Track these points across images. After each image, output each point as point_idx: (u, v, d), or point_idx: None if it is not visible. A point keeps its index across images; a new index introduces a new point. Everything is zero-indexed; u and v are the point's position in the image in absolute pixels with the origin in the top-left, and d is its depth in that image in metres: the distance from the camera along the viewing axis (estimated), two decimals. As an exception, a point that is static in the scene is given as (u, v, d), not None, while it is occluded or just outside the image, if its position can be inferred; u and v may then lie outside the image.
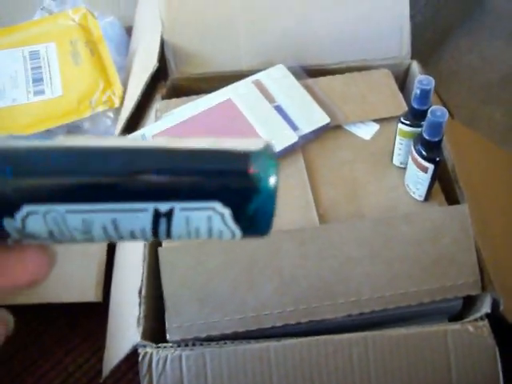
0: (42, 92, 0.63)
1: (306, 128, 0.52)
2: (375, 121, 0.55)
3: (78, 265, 0.58)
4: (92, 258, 0.58)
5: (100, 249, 0.58)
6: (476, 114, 0.89)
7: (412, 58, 0.62)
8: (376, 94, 0.57)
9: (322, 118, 0.53)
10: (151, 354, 0.44)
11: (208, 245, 0.46)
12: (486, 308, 0.46)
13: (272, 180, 0.16)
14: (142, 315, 0.46)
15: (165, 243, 0.48)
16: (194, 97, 0.57)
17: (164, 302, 0.45)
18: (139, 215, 0.16)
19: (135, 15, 0.73)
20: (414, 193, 0.50)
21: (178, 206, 0.16)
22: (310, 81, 0.56)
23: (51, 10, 0.73)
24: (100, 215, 0.16)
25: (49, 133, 0.62)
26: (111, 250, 0.59)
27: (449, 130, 0.50)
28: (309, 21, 0.58)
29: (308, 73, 0.57)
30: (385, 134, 0.54)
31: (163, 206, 0.16)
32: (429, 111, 0.43)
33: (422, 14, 0.82)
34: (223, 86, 0.56)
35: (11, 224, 0.16)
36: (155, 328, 0.47)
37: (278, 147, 0.50)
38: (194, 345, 0.45)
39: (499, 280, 0.47)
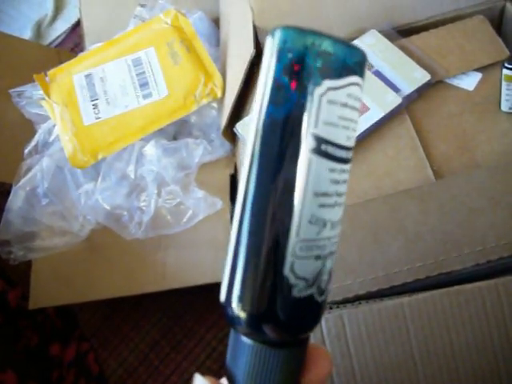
0: (149, 95, 0.68)
1: (408, 88, 0.53)
2: (477, 70, 0.55)
3: (206, 251, 0.62)
4: (218, 244, 0.62)
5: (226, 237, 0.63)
6: None
7: (505, -2, 0.60)
8: (474, 42, 0.56)
9: (422, 76, 0.54)
10: (292, 321, 0.48)
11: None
12: None
13: None
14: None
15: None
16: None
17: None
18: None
19: (220, 6, 0.76)
20: (528, 136, 0.49)
21: None
22: (405, 40, 0.57)
23: (143, 16, 0.78)
24: None
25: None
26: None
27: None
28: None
29: (401, 33, 0.57)
30: (489, 81, 0.54)
31: None
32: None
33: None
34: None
35: None
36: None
37: (384, 111, 0.52)
38: (330, 308, 0.48)
39: None
